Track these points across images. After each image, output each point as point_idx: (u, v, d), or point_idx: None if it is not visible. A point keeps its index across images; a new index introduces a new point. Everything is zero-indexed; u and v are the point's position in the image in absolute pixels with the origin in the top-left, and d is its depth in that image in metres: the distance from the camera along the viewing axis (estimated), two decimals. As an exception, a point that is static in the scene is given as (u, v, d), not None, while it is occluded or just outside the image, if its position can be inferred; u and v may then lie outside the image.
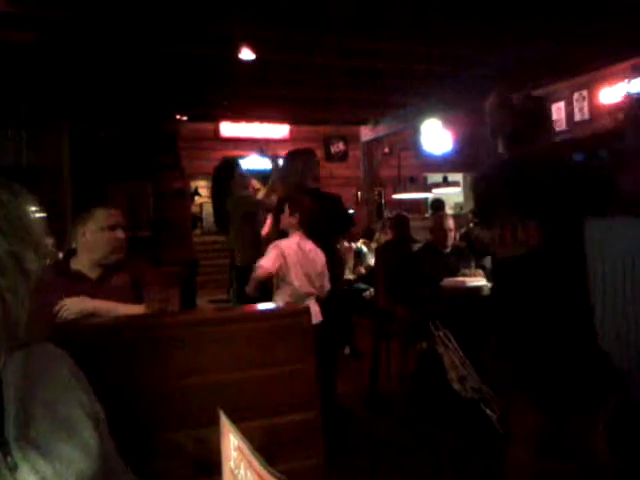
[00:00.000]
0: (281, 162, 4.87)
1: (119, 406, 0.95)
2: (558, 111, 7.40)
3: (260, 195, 5.33)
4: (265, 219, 5.05)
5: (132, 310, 2.22)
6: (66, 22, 4.60)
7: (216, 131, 9.10)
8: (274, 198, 4.52)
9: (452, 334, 3.62)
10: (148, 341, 1.23)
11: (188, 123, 8.56)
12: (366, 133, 9.82)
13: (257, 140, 9.24)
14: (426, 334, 3.75)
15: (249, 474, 0.60)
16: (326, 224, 3.64)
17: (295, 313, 1.42)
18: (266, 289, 3.39)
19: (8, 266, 0.75)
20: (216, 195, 7.20)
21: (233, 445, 0.65)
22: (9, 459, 0.76)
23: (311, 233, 3.44)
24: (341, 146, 9.98)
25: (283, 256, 3.28)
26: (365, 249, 6.98)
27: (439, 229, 4.38)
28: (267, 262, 3.27)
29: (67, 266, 2.39)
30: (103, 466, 0.85)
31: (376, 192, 10.05)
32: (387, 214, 8.61)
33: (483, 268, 4.41)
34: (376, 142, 9.82)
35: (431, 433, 3.52)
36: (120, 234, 2.41)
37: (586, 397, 2.00)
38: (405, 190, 9.03)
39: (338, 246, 4.49)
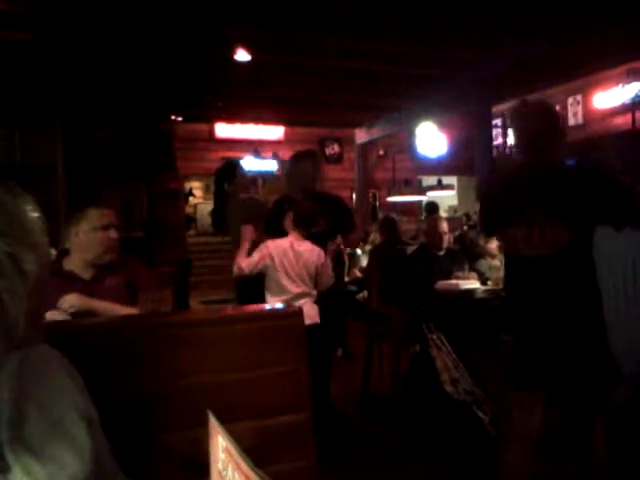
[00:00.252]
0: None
1: (110, 407, 0.95)
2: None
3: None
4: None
5: (126, 312, 2.21)
6: (61, 22, 4.59)
7: (211, 132, 9.10)
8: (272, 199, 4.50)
9: (445, 336, 3.63)
10: (140, 342, 1.22)
11: (183, 124, 8.56)
12: (361, 135, 9.82)
13: (252, 141, 9.25)
14: (419, 336, 3.76)
15: (237, 476, 0.59)
16: (327, 225, 3.62)
17: (287, 314, 1.42)
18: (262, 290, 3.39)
19: (6, 267, 0.75)
20: (217, 196, 7.19)
21: (221, 447, 0.65)
22: (2, 461, 0.76)
23: (310, 234, 3.44)
24: (336, 148, 9.99)
25: (270, 256, 3.28)
26: (359, 251, 6.97)
27: (433, 232, 4.38)
28: (244, 261, 3.29)
29: (60, 266, 2.38)
30: (96, 469, 0.85)
31: (371, 194, 10.06)
32: (381, 216, 8.60)
33: (476, 271, 4.43)
34: (371, 144, 9.83)
35: (423, 435, 3.53)
36: (113, 234, 2.41)
37: (593, 394, 2.11)
38: (400, 193, 9.05)
39: (342, 247, 4.47)
